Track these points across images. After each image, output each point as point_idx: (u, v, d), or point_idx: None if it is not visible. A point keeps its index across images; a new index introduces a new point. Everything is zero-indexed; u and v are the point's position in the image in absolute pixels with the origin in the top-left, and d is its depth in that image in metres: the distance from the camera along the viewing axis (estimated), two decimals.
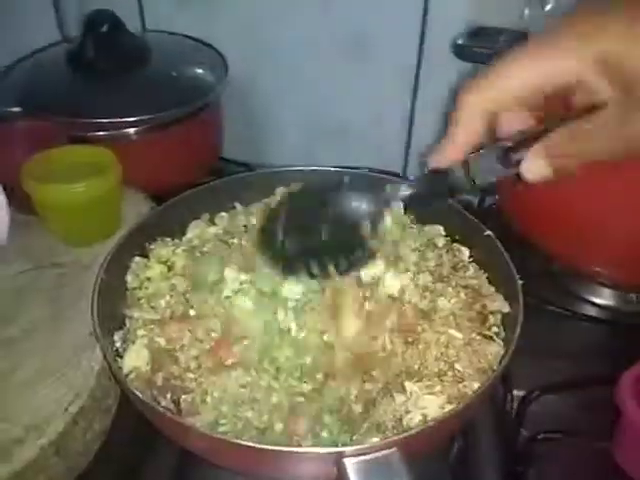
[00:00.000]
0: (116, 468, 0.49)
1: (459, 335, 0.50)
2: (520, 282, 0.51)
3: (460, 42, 0.65)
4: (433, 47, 0.76)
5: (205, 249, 0.57)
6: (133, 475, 0.48)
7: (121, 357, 0.48)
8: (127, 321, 0.52)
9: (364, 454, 0.39)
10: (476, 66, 0.66)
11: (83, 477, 0.47)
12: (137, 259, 0.56)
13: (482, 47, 0.64)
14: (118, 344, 0.50)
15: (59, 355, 0.49)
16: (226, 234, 0.59)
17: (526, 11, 0.60)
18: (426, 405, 0.45)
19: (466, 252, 0.59)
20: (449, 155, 0.39)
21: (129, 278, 0.55)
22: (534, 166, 0.36)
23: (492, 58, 0.36)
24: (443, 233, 0.61)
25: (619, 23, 0.30)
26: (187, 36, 0.80)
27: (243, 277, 0.52)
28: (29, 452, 0.42)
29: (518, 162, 0.37)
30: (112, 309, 0.52)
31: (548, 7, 0.59)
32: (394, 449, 0.39)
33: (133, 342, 0.49)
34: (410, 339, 0.50)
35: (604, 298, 0.65)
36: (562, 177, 0.35)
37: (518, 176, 0.37)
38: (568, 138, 0.34)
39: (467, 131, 0.38)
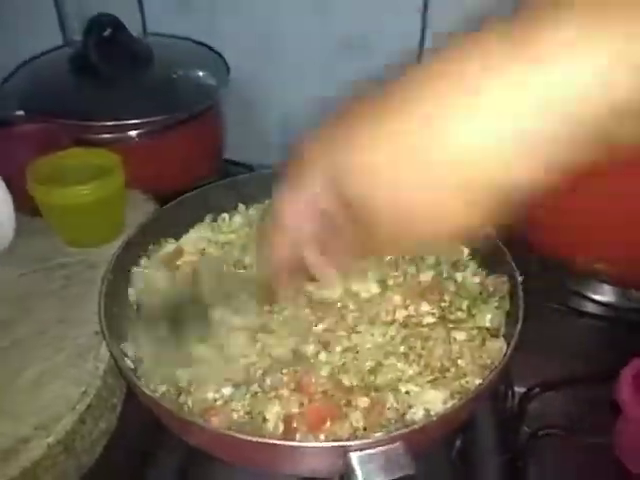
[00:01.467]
0: (121, 466, 0.50)
1: (462, 334, 0.51)
2: (520, 278, 0.52)
3: None
4: (432, 45, 0.76)
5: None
6: (138, 472, 0.49)
7: (127, 355, 0.49)
8: None
9: (369, 448, 0.40)
10: None
11: (89, 475, 0.48)
12: (135, 270, 0.57)
13: None
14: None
15: (66, 355, 0.49)
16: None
17: None
18: (429, 400, 0.46)
19: (465, 250, 0.60)
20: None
21: (130, 291, 0.56)
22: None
23: None
24: None
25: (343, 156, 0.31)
26: (188, 39, 0.81)
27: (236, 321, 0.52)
28: (37, 450, 0.42)
29: None
30: (118, 308, 0.52)
31: None
32: (398, 443, 0.40)
33: None
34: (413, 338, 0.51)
35: (604, 295, 0.65)
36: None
37: None
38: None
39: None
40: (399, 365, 0.49)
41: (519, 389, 0.56)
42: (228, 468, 0.48)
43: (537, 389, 0.55)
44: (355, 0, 0.76)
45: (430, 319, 0.53)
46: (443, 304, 0.54)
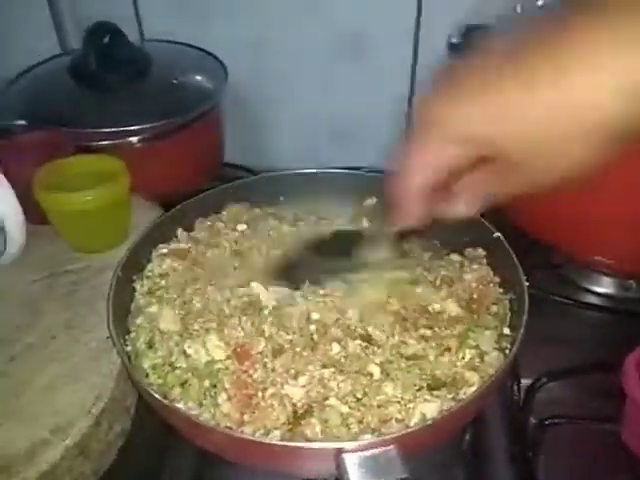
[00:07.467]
0: (137, 468, 0.50)
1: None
2: (526, 283, 0.51)
3: (455, 41, 0.66)
4: (429, 46, 0.78)
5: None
6: (154, 473, 0.49)
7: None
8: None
9: (363, 450, 0.39)
10: None
11: (106, 478, 0.48)
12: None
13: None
14: None
15: (78, 359, 0.50)
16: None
17: (518, 8, 0.61)
18: (426, 407, 0.45)
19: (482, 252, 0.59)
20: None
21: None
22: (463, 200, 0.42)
23: None
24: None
25: (475, 107, 0.34)
26: (186, 44, 0.82)
27: None
28: (55, 453, 0.43)
29: None
30: (126, 312, 0.53)
31: (541, 2, 0.60)
32: (392, 446, 0.40)
33: None
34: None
35: (604, 286, 0.66)
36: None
37: None
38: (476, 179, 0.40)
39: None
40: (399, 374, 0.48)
41: (525, 381, 0.56)
42: (241, 471, 0.49)
43: (543, 379, 0.56)
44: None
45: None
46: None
